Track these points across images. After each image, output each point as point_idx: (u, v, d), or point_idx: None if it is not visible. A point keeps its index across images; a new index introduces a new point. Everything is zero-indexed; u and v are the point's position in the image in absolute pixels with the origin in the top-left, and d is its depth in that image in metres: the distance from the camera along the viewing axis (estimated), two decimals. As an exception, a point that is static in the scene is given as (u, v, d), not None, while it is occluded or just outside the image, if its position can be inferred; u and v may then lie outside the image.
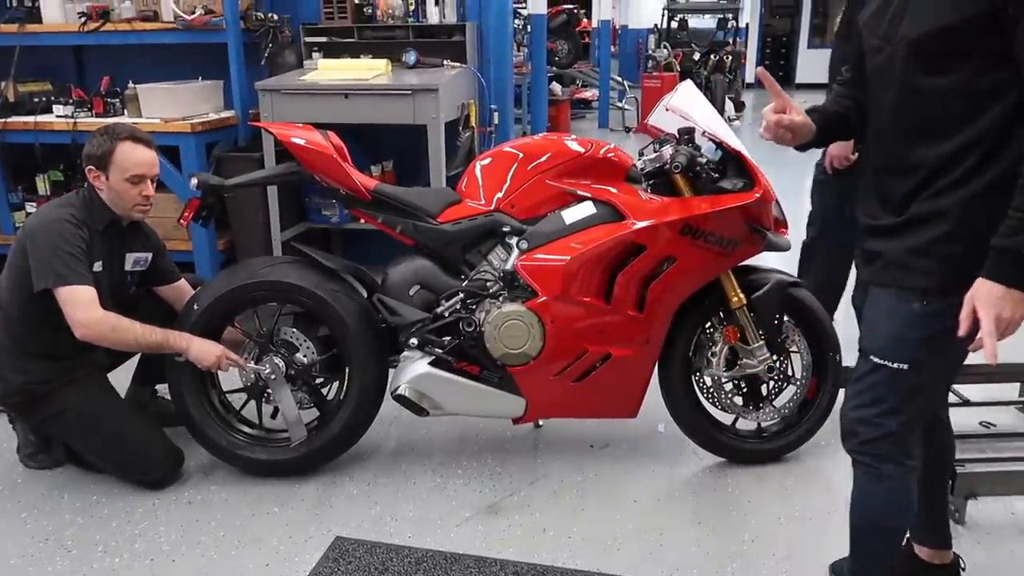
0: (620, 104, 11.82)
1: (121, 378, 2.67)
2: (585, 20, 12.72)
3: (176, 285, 2.68)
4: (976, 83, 1.40)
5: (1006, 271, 1.37)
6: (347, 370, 2.50)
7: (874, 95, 1.61)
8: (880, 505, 1.69)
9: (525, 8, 9.56)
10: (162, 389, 2.69)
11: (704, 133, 2.37)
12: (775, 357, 2.52)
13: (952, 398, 2.80)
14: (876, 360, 1.57)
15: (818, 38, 19.87)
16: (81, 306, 2.26)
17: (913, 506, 1.71)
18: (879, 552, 1.76)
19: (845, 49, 1.92)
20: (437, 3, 3.95)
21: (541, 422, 2.85)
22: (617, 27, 16.85)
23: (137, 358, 2.70)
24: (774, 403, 2.59)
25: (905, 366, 1.54)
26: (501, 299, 2.39)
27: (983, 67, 1.39)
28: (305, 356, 2.50)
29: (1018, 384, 2.92)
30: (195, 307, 2.45)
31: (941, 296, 1.49)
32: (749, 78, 19.06)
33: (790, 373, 2.57)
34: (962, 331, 1.41)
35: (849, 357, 2.76)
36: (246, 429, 2.59)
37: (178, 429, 2.58)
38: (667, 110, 2.44)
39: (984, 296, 1.38)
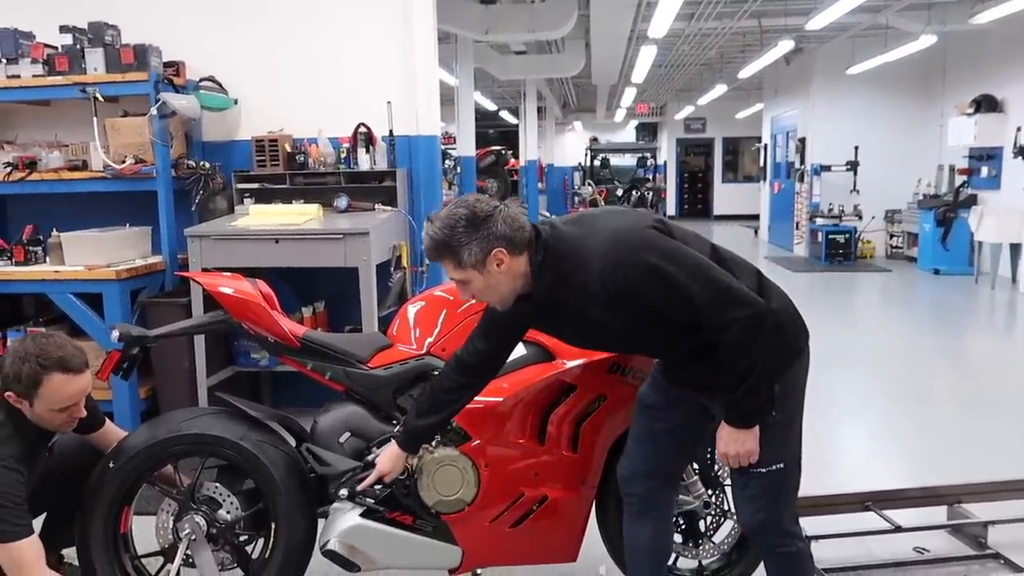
0: (549, 238, 12.21)
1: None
2: (513, 159, 13.32)
3: (102, 432, 2.50)
4: (677, 332, 1.94)
5: (735, 417, 1.94)
6: (273, 525, 2.38)
7: None
8: None
9: (455, 149, 10.01)
10: (70, 554, 2.49)
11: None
12: (710, 492, 2.52)
13: (883, 524, 2.83)
14: (759, 470, 1.98)
15: (731, 173, 21.29)
16: (26, 568, 2.06)
17: None
18: None
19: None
20: (368, 151, 4.09)
21: (479, 571, 2.74)
22: (544, 165, 17.71)
23: (42, 519, 2.50)
24: (713, 539, 2.56)
25: (782, 464, 2.00)
26: (434, 444, 2.35)
27: (677, 325, 1.91)
28: (228, 512, 2.38)
29: (945, 507, 2.98)
30: (111, 465, 2.33)
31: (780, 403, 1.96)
32: (671, 211, 20.07)
33: (726, 507, 2.57)
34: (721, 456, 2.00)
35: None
36: (161, 596, 2.40)
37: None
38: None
39: (724, 435, 1.96)
